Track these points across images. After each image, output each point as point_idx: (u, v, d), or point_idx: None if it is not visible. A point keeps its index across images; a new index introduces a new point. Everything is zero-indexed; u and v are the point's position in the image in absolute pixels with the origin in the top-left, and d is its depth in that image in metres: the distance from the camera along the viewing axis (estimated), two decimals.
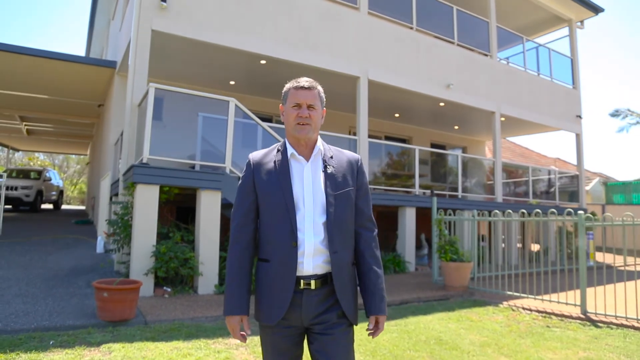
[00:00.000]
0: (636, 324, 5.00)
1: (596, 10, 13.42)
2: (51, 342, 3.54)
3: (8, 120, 15.57)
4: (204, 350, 3.62)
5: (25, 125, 16.53)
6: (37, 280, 5.60)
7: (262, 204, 1.77)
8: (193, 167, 6.34)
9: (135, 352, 3.46)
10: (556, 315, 5.56)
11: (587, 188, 17.26)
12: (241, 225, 1.79)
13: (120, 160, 7.23)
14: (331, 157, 1.82)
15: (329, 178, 1.77)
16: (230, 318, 1.74)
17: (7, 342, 3.49)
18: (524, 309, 5.88)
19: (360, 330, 2.08)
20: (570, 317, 5.46)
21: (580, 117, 13.39)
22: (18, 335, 3.66)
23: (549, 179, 13.34)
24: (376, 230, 1.88)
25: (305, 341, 1.78)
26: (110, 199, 8.24)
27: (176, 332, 4.04)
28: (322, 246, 1.70)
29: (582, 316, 5.42)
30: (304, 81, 1.80)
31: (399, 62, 9.41)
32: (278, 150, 1.83)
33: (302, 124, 1.75)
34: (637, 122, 26.47)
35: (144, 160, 5.55)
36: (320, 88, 1.85)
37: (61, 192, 20.79)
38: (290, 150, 1.80)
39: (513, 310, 5.85)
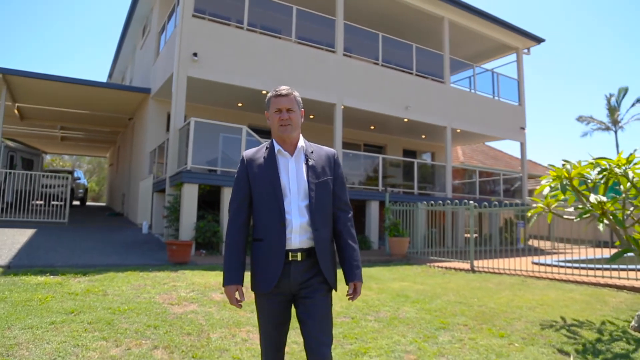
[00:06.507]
0: (496, 271, 8.01)
1: (539, 40, 16.40)
2: (150, 269, 6.48)
3: (50, 130, 18.55)
4: None
5: (61, 133, 19.48)
6: (117, 246, 8.55)
7: (255, 193, 2.03)
8: (216, 171, 9.26)
9: (196, 273, 6.40)
10: (455, 269, 8.52)
11: None
12: (237, 212, 2.06)
13: (163, 166, 10.18)
14: (312, 152, 2.08)
15: (310, 169, 2.02)
16: (227, 287, 1.99)
17: (126, 269, 6.43)
18: (438, 267, 8.82)
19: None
20: (463, 269, 8.41)
21: (523, 128, 16.33)
22: (129, 267, 6.60)
23: (500, 179, 16.32)
24: (351, 212, 2.16)
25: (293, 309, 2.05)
26: (152, 194, 11.18)
27: (215, 268, 6.98)
28: (306, 225, 1.98)
29: (469, 269, 8.39)
30: (282, 89, 2.06)
31: (367, 90, 12.35)
32: (267, 148, 2.08)
33: (284, 125, 2.02)
34: (599, 128, 29.44)
35: (188, 168, 8.49)
36: (296, 93, 2.09)
37: (86, 190, 23.76)
38: (277, 147, 2.05)
39: (430, 267, 8.80)
